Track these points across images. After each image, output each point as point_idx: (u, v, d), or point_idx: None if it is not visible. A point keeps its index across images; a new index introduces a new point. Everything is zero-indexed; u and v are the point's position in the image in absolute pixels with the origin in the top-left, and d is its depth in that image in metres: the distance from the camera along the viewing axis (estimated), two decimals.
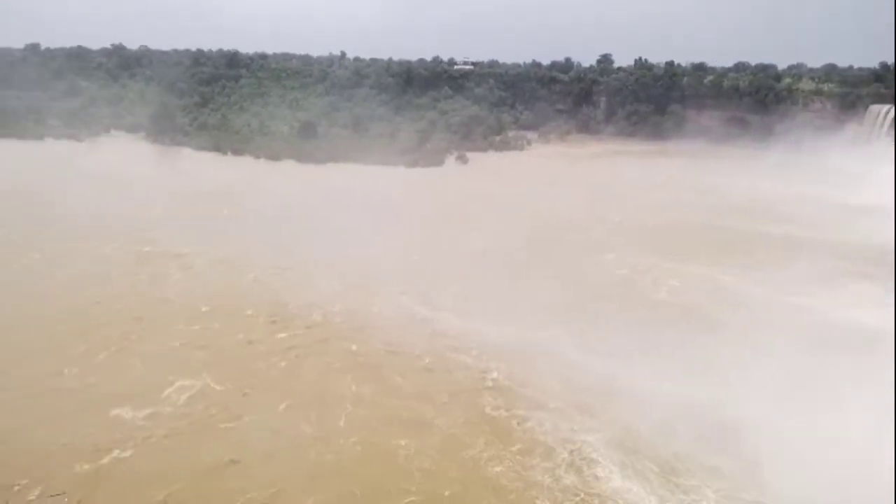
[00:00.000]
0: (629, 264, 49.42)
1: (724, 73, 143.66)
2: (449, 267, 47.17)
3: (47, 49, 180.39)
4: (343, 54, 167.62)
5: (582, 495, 22.71)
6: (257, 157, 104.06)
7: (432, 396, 28.98)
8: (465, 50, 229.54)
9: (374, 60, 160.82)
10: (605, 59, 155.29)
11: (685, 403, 27.61)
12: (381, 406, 28.11)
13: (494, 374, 31.20)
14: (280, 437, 25.31)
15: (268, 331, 35.46)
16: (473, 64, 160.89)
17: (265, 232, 54.99)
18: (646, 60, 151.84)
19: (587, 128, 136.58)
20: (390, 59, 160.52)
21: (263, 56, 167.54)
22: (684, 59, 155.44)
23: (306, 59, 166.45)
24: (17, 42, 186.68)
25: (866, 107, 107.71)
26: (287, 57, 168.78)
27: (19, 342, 32.16)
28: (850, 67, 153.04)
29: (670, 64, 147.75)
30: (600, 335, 35.12)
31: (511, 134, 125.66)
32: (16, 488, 21.02)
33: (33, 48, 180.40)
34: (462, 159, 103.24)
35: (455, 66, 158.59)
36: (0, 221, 54.47)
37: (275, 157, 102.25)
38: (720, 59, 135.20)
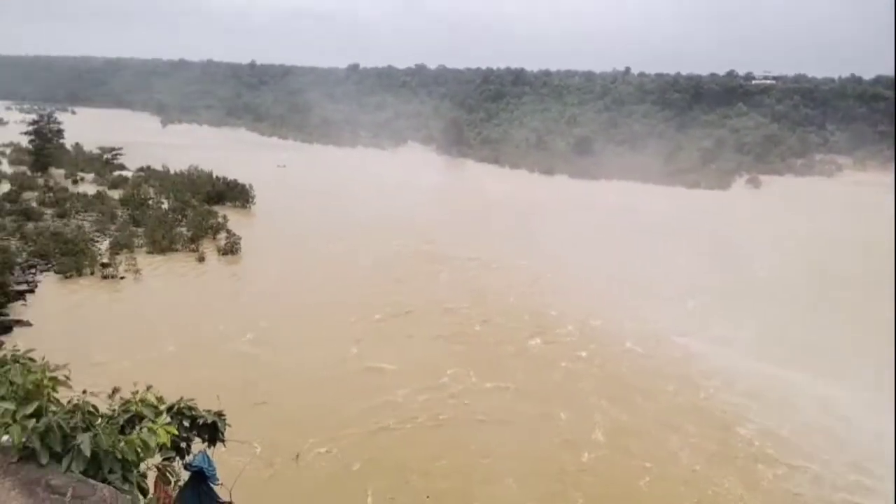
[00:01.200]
0: None
1: None
2: (718, 294, 42.61)
3: (364, 69, 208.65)
4: (627, 70, 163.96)
5: None
6: (532, 170, 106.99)
7: (679, 428, 26.27)
8: (766, 64, 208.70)
9: (659, 76, 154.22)
10: None
11: None
12: (626, 429, 26.26)
13: (752, 416, 27.22)
14: (550, 443, 24.83)
15: (526, 336, 35.35)
16: (775, 78, 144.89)
17: (533, 240, 55.61)
18: None
19: None
20: (678, 74, 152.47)
21: (547, 73, 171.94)
22: None
23: (589, 76, 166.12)
24: (342, 63, 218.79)
25: None
26: (570, 74, 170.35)
27: (317, 322, 36.00)
28: None
29: None
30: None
31: (818, 157, 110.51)
32: (306, 445, 23.62)
33: (354, 68, 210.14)
34: (754, 182, 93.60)
35: (753, 81, 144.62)
36: (300, 217, 63.55)
37: (549, 171, 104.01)
38: None
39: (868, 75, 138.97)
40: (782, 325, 37.48)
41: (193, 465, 7.18)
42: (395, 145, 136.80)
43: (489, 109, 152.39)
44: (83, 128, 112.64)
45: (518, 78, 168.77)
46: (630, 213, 69.88)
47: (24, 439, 5.11)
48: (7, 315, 32.99)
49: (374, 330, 35.00)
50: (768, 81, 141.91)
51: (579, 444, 24.81)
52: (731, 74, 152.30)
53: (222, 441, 7.54)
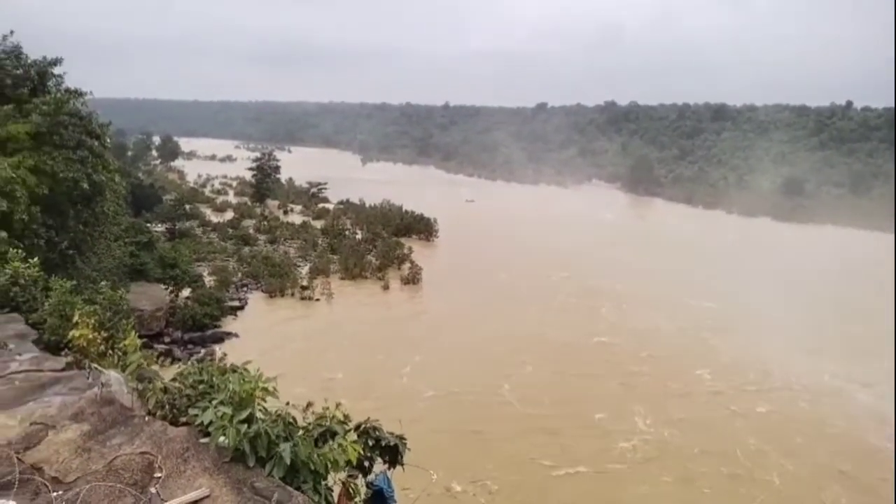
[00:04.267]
0: None
1: None
2: None
3: (552, 107, 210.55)
4: (849, 104, 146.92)
5: None
6: (729, 211, 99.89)
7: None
8: None
9: (888, 110, 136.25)
10: None
11: None
12: (804, 485, 24.10)
13: None
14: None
15: (698, 383, 33.20)
16: None
17: (714, 286, 51.91)
18: None
19: None
20: None
21: (752, 108, 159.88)
22: None
23: (801, 110, 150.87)
24: (531, 102, 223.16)
25: None
26: (779, 108, 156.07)
27: (472, 357, 35.88)
28: None
29: None
30: None
31: None
32: (457, 479, 23.75)
33: (542, 107, 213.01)
34: None
35: None
36: (476, 251, 64.72)
37: (749, 212, 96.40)
38: None
39: None
40: None
41: (375, 484, 7.47)
42: (577, 183, 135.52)
43: (683, 147, 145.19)
44: (296, 164, 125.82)
45: (718, 113, 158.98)
46: (840, 263, 62.39)
47: (237, 442, 5.70)
48: (220, 327, 37.51)
49: (525, 366, 34.49)
50: None
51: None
52: None
53: (402, 464, 7.88)
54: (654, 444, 26.69)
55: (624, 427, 27.96)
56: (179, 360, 29.12)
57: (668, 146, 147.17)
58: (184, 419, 6.49)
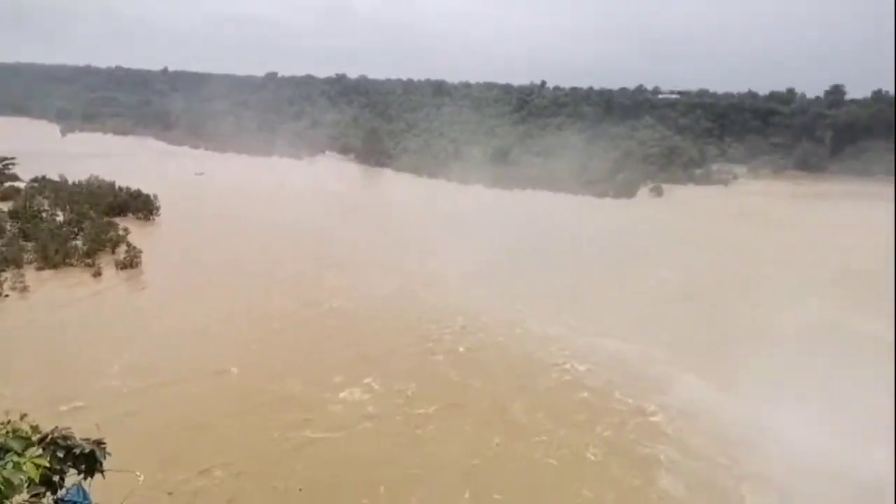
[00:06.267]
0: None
1: None
2: (626, 306, 44.52)
3: (282, 77, 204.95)
4: (543, 83, 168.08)
5: None
6: (449, 180, 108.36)
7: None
8: (675, 79, 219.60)
9: (574, 90, 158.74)
10: (836, 91, 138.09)
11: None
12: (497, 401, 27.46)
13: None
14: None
15: (414, 333, 37.09)
16: (681, 93, 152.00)
17: (431, 247, 57.16)
18: (886, 93, 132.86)
19: (806, 164, 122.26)
20: (590, 89, 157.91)
21: (467, 85, 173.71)
22: None
23: (507, 88, 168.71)
24: (260, 71, 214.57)
25: None
26: (489, 86, 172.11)
27: (190, 346, 35.18)
28: None
29: None
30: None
31: (715, 167, 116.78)
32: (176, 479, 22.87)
33: (272, 76, 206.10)
34: (657, 191, 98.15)
35: (660, 96, 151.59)
36: (203, 228, 61.83)
37: (465, 180, 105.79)
38: None
39: (763, 91, 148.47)
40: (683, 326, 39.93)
41: (66, 499, 6.86)
42: (311, 155, 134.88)
43: (409, 120, 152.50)
44: None
45: (438, 89, 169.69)
46: (537, 222, 72.74)
47: None
48: None
49: (252, 342, 34.61)
50: (673, 96, 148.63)
51: (504, 456, 25.58)
52: (639, 89, 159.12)
53: (101, 472, 7.30)
54: (381, 397, 28.86)
55: (354, 387, 29.63)
56: None
57: (395, 119, 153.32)
58: None
